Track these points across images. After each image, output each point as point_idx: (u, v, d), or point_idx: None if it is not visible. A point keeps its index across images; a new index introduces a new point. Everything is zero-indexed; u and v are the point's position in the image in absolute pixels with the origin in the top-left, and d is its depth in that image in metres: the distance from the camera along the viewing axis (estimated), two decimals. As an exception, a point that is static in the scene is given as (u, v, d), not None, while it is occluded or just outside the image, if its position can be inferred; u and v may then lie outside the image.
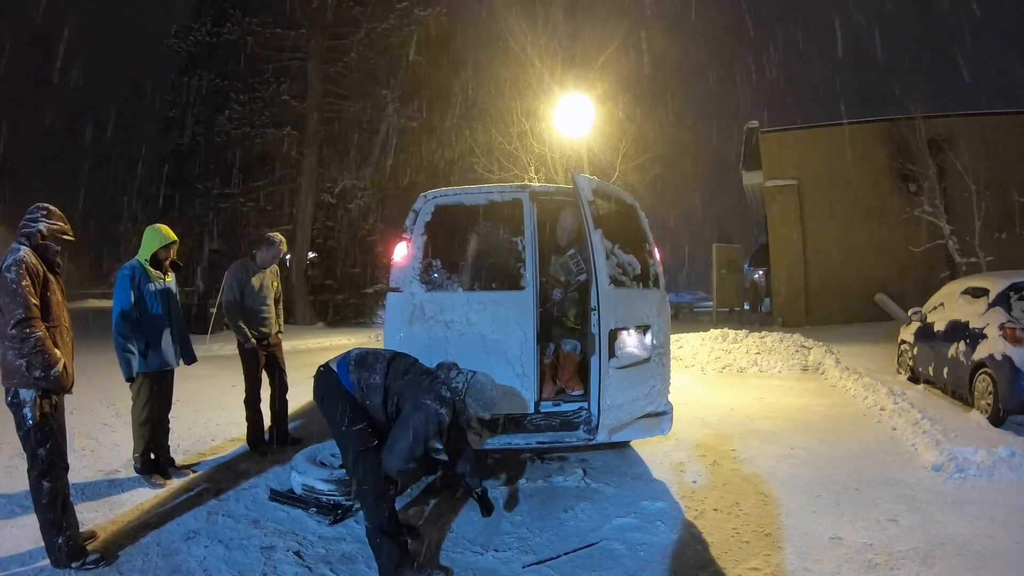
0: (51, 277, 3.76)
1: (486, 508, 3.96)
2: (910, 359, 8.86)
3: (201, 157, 21.84)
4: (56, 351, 3.63)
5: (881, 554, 3.70)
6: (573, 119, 13.54)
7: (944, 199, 16.71)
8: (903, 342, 9.24)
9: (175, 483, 5.12)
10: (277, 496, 4.72)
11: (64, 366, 3.67)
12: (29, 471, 3.66)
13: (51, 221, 3.80)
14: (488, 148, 17.45)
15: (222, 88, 21.38)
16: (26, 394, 3.59)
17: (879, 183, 18.41)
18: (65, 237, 3.88)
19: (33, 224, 3.75)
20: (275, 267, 6.20)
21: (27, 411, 3.59)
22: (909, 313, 8.87)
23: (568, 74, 16.58)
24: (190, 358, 5.40)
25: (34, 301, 3.55)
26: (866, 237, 18.29)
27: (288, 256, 20.82)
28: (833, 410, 7.52)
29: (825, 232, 18.73)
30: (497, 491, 4.80)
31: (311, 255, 22.96)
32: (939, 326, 7.81)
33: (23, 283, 3.51)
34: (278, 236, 6.14)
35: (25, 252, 3.62)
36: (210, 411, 7.67)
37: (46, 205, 3.88)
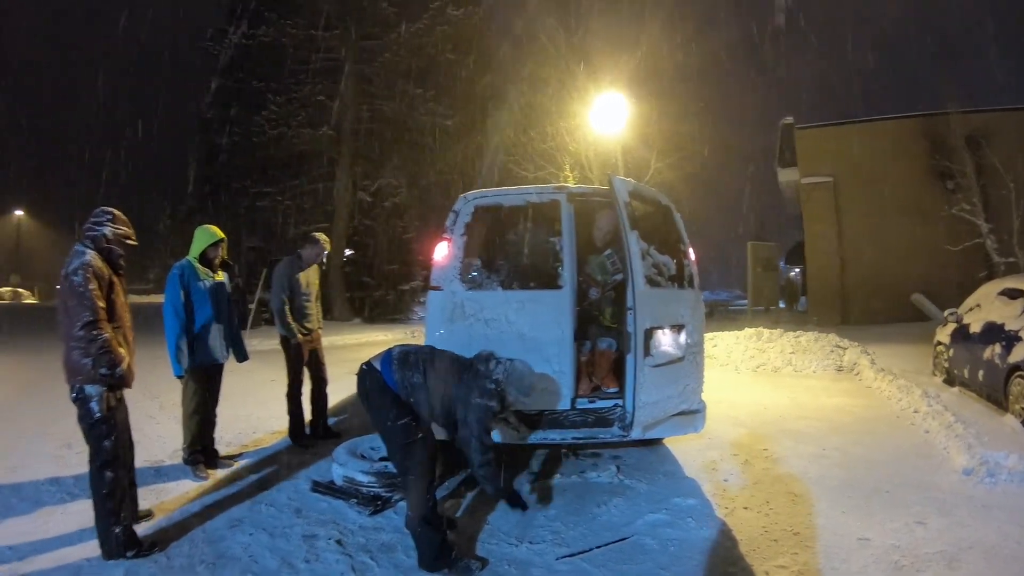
0: (115, 279, 3.84)
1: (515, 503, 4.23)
2: (945, 361, 8.69)
3: (238, 157, 22.23)
4: (121, 350, 3.74)
5: (908, 556, 3.70)
6: (607, 117, 13.54)
7: (982, 197, 16.35)
8: (939, 343, 9.06)
9: (219, 474, 5.27)
10: (318, 487, 4.83)
11: (128, 364, 3.78)
12: (91, 461, 3.76)
13: (116, 225, 3.88)
14: (523, 146, 17.49)
15: (258, 89, 21.71)
16: (92, 390, 3.68)
17: (916, 180, 18.04)
18: (129, 241, 3.95)
19: (98, 228, 3.82)
20: (316, 265, 6.35)
21: (93, 405, 3.69)
22: (945, 314, 8.69)
23: (602, 71, 16.55)
24: (242, 356, 5.56)
25: (100, 304, 3.64)
26: (903, 235, 17.91)
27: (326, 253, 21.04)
28: (867, 411, 7.45)
29: (861, 230, 18.43)
30: (532, 486, 4.89)
31: (348, 252, 23.27)
32: (975, 328, 7.67)
33: (90, 286, 3.60)
34: (321, 235, 6.30)
35: (91, 256, 3.70)
36: (251, 405, 7.85)
37: (111, 209, 3.94)
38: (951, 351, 8.46)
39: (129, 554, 3.73)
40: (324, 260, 6.33)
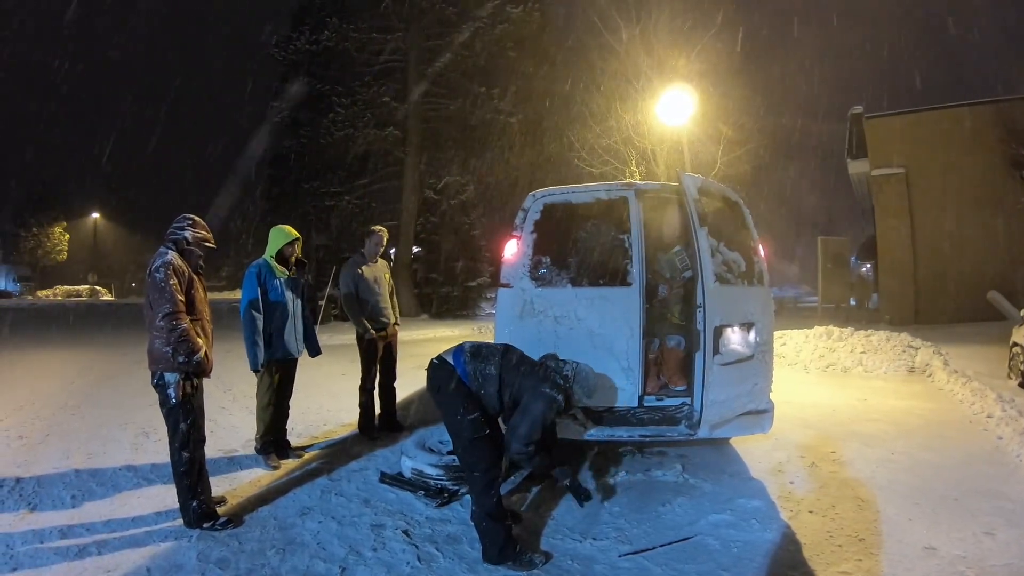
0: (195, 277, 4.23)
1: (579, 497, 4.10)
2: (1022, 364, 8.22)
3: (307, 158, 22.83)
4: (199, 340, 4.07)
5: (973, 567, 3.57)
6: (672, 110, 13.31)
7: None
8: (1015, 345, 8.55)
9: (290, 463, 5.46)
10: (387, 478, 4.96)
11: (205, 353, 4.10)
12: (171, 443, 4.13)
13: (196, 230, 4.27)
14: (588, 142, 17.40)
15: (324, 93, 22.25)
16: (170, 377, 4.04)
17: (992, 171, 16.99)
18: (207, 244, 4.34)
19: (180, 231, 4.22)
20: (384, 261, 6.48)
21: (171, 391, 4.05)
22: (1022, 313, 8.32)
23: (665, 63, 16.29)
24: (315, 351, 5.75)
25: (180, 297, 4.00)
26: (978, 229, 16.99)
27: (393, 250, 21.58)
28: (938, 415, 7.20)
29: (935, 224, 17.51)
30: (598, 482, 4.90)
31: (415, 249, 23.71)
32: (1054, 329, 7.25)
33: (171, 282, 3.97)
34: (378, 227, 6.44)
35: (172, 255, 4.10)
36: (321, 398, 8.06)
37: (192, 216, 4.34)
38: (1027, 353, 8.06)
39: (205, 525, 4.07)
40: (391, 254, 6.47)
